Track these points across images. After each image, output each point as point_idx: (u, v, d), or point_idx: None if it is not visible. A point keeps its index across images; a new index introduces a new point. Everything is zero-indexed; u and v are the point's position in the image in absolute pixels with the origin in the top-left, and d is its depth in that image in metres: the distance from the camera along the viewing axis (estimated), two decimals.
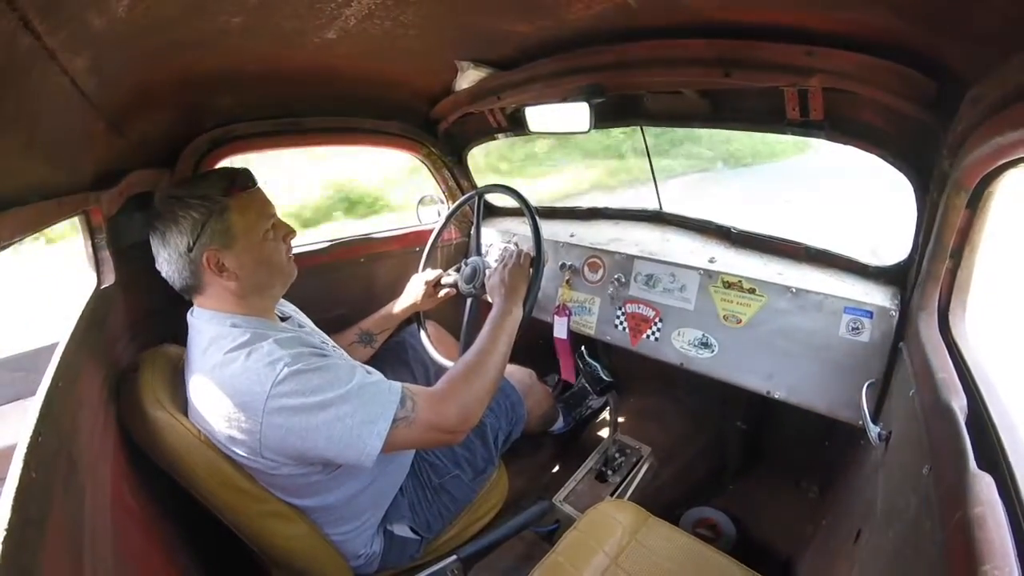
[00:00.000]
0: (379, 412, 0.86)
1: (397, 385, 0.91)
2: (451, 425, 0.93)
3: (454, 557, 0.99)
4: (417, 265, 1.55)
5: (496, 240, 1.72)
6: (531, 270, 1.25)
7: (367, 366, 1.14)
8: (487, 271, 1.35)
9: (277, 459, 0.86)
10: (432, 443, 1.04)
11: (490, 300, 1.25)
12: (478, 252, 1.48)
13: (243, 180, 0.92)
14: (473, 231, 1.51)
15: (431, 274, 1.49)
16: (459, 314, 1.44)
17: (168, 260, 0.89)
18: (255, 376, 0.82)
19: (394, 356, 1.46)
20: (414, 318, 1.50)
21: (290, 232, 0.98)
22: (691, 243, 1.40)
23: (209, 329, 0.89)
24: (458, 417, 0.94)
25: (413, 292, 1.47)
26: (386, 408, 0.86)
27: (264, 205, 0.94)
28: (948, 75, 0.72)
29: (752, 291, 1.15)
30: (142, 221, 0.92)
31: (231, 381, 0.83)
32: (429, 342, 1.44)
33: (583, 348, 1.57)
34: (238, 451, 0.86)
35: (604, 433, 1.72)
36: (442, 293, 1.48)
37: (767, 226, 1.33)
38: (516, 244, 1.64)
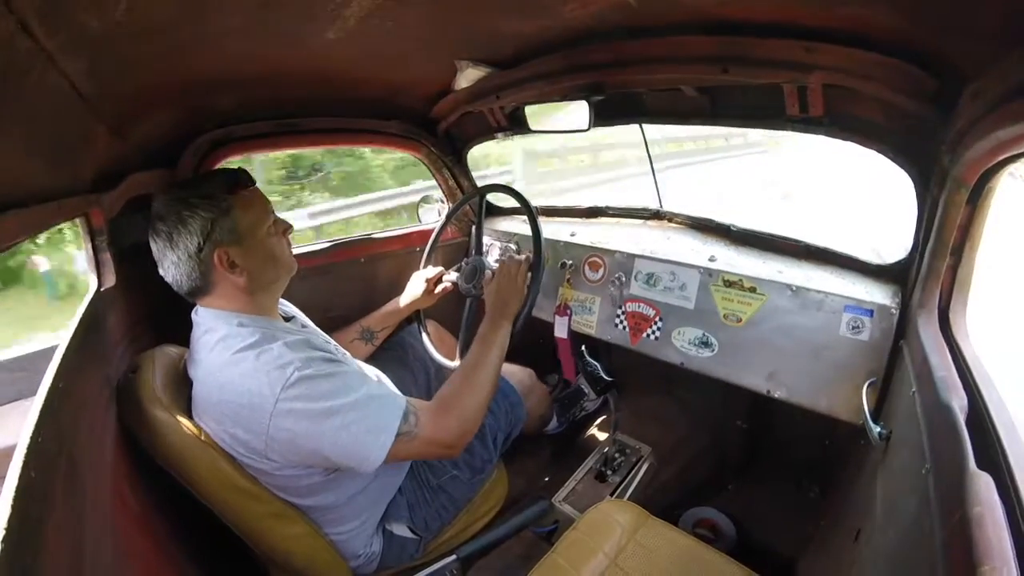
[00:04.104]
0: (383, 425, 0.88)
1: (402, 399, 0.93)
2: (450, 440, 0.96)
3: (453, 557, 0.99)
4: (417, 265, 1.56)
5: (496, 240, 1.72)
6: (528, 280, 1.25)
7: (375, 369, 1.15)
8: (488, 273, 1.35)
9: (281, 460, 0.87)
10: (431, 456, 1.08)
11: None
12: (478, 252, 1.49)
13: (244, 179, 0.93)
14: (474, 231, 1.51)
15: (432, 271, 1.49)
16: (459, 313, 1.44)
17: (176, 263, 0.88)
18: (265, 378, 0.82)
19: (394, 356, 1.46)
20: (414, 317, 1.51)
21: (288, 228, 1.00)
22: (691, 241, 1.39)
23: (216, 328, 0.89)
24: (457, 432, 0.97)
25: (414, 289, 1.48)
26: (390, 421, 0.88)
27: (264, 202, 0.96)
28: (948, 70, 0.71)
29: (752, 290, 1.15)
30: (143, 223, 0.92)
31: (240, 381, 0.83)
32: (429, 341, 1.45)
33: (583, 347, 1.57)
34: (242, 451, 0.86)
35: (604, 433, 1.72)
36: (439, 288, 1.48)
37: (767, 224, 1.33)
38: (516, 244, 1.64)
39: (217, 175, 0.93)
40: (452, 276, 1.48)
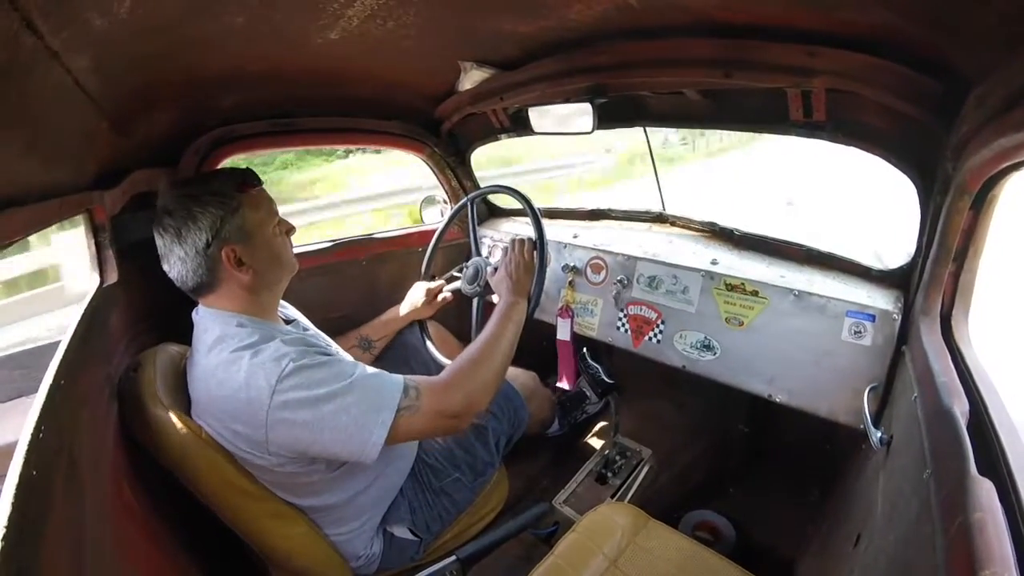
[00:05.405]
0: (383, 402, 0.86)
1: (399, 376, 0.92)
2: (455, 411, 0.93)
3: (453, 558, 0.99)
4: (419, 265, 1.56)
5: (499, 240, 1.73)
6: (535, 258, 1.25)
7: (373, 368, 1.15)
8: (489, 269, 1.36)
9: (282, 455, 0.86)
10: (437, 430, 1.02)
11: (496, 296, 1.25)
12: (477, 253, 1.49)
13: (252, 178, 0.94)
14: (470, 234, 1.52)
15: (433, 283, 1.50)
16: (461, 315, 1.44)
17: (183, 259, 0.88)
18: (261, 372, 0.83)
19: (396, 357, 1.46)
20: (416, 324, 1.51)
21: (292, 229, 1.01)
22: (694, 245, 1.39)
23: (215, 328, 0.90)
24: (463, 403, 0.94)
25: (414, 300, 1.48)
26: (390, 398, 0.87)
27: (270, 202, 0.97)
28: (952, 76, 0.71)
29: (754, 293, 1.15)
30: (145, 220, 0.92)
31: (237, 376, 0.83)
32: (432, 344, 1.45)
33: (585, 350, 1.57)
34: (243, 447, 0.86)
35: (605, 435, 1.72)
36: (439, 298, 1.49)
37: (769, 228, 1.33)
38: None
39: (226, 173, 0.94)
40: (454, 285, 1.48)
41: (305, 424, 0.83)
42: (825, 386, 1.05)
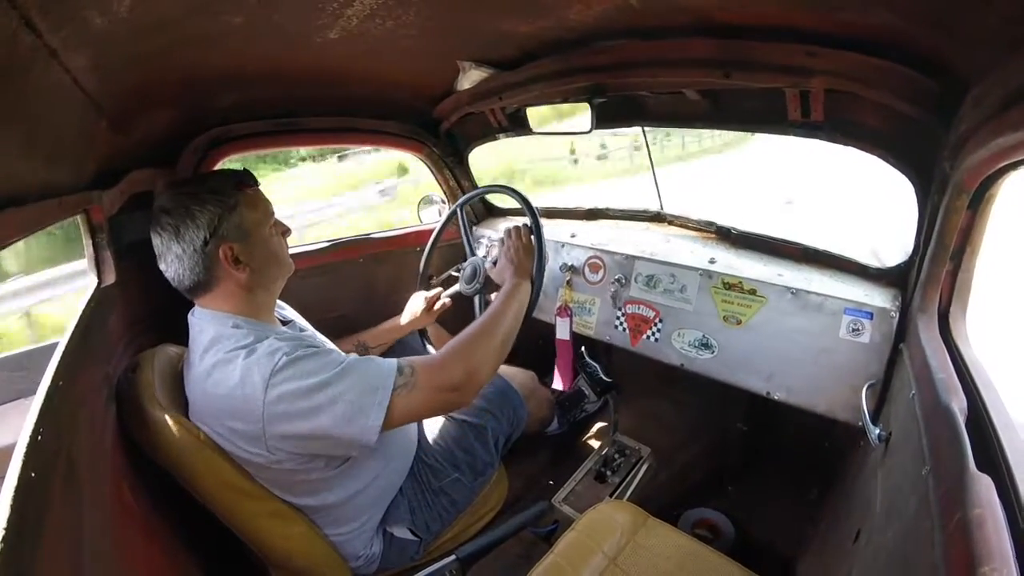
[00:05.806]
0: (378, 382, 0.86)
1: (394, 360, 0.91)
2: (454, 383, 0.91)
3: (453, 557, 0.99)
4: (416, 265, 1.56)
5: (497, 240, 1.73)
6: (532, 240, 1.25)
7: None
8: (487, 264, 1.36)
9: (281, 449, 0.86)
10: (438, 406, 0.98)
11: (498, 285, 1.25)
12: (472, 254, 1.49)
13: (249, 178, 0.95)
14: (464, 236, 1.52)
15: (431, 292, 1.50)
16: (460, 315, 1.44)
17: (179, 257, 0.88)
18: (256, 368, 0.83)
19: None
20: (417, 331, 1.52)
21: (287, 230, 1.01)
22: (691, 244, 1.40)
23: (210, 330, 0.89)
24: (462, 375, 0.92)
25: (414, 309, 1.49)
26: (384, 378, 0.87)
27: (267, 202, 0.97)
28: (949, 76, 0.72)
29: (752, 292, 1.15)
30: (143, 220, 0.92)
31: (233, 376, 0.83)
32: (432, 347, 1.46)
33: (583, 349, 1.57)
34: (241, 444, 0.86)
35: (603, 434, 1.72)
36: (438, 305, 1.49)
37: (766, 227, 1.33)
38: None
39: (224, 173, 0.94)
40: (452, 289, 1.49)
41: (301, 414, 0.82)
42: (823, 383, 1.05)
